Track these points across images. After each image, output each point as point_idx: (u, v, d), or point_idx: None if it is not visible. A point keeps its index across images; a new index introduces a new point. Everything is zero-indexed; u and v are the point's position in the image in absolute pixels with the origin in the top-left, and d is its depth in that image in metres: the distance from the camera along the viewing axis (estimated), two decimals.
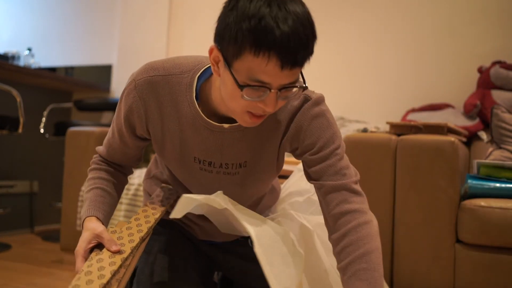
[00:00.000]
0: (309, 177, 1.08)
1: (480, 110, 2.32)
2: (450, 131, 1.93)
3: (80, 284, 0.87)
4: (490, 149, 2.05)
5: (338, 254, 0.98)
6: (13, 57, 3.36)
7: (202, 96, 1.03)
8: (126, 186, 2.20)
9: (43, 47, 3.78)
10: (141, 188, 2.18)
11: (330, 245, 1.08)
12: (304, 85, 0.93)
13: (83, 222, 1.05)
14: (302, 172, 1.22)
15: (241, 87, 0.87)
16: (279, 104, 0.92)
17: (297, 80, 0.91)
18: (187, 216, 1.26)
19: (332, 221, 1.01)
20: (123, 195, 2.20)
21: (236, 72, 0.87)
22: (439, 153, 1.73)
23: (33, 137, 3.29)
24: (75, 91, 3.64)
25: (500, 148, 2.03)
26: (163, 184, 1.27)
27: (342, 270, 0.96)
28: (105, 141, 1.17)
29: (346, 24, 2.86)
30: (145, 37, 3.38)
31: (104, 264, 0.94)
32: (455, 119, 2.33)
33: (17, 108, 2.50)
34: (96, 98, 3.43)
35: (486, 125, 2.31)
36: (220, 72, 0.92)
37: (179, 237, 1.26)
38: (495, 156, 1.98)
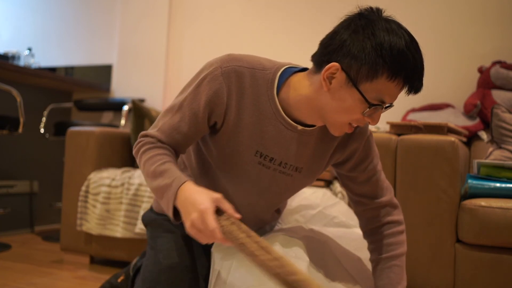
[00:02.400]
0: (351, 191, 1.23)
1: (480, 110, 2.31)
2: (450, 131, 1.93)
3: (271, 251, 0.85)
4: (490, 149, 2.05)
5: (379, 248, 1.21)
6: (13, 57, 3.35)
7: (279, 95, 1.08)
8: (126, 186, 2.21)
9: (43, 47, 3.77)
10: (142, 188, 2.17)
11: (345, 255, 1.28)
12: (391, 103, 1.02)
13: (179, 186, 0.97)
14: (313, 189, 1.29)
15: (370, 105, 0.98)
16: None
17: None
18: None
19: (375, 227, 1.23)
20: (123, 195, 2.20)
21: (364, 92, 0.97)
22: (439, 153, 1.73)
23: (33, 137, 3.29)
24: (75, 91, 3.64)
25: (500, 148, 2.03)
26: None
27: (382, 260, 1.19)
28: (165, 125, 1.09)
29: None
30: (145, 37, 3.38)
31: (246, 229, 0.91)
32: (455, 119, 2.33)
33: (17, 108, 2.50)
34: (96, 98, 3.43)
35: (486, 125, 2.31)
36: (333, 87, 1.00)
37: (190, 237, 1.25)
38: (495, 156, 1.98)
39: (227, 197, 1.19)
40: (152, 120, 2.57)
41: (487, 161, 1.78)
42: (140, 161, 1.09)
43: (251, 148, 1.10)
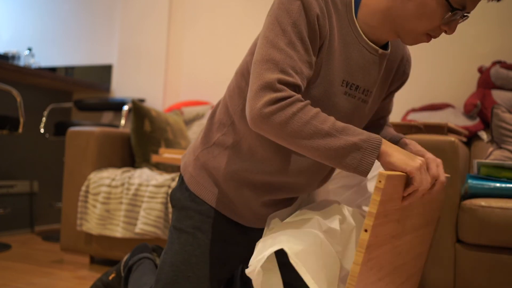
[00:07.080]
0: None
1: (481, 110, 2.32)
2: (450, 131, 1.93)
3: None
4: (491, 149, 2.05)
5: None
6: (13, 57, 3.36)
7: (357, 18, 1.05)
8: (126, 186, 2.20)
9: (43, 47, 3.78)
10: (142, 188, 2.17)
11: None
12: (468, 13, 0.99)
13: (381, 141, 0.93)
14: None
15: (453, 9, 0.94)
16: None
17: None
18: (250, 206, 1.19)
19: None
20: (123, 195, 2.20)
21: None
22: (439, 153, 1.73)
23: (33, 137, 3.29)
24: (75, 91, 3.64)
25: (501, 148, 2.03)
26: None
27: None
28: (285, 67, 0.94)
29: None
30: (145, 37, 3.38)
31: None
32: (455, 119, 2.33)
33: (17, 108, 2.50)
34: (96, 98, 3.43)
35: (487, 125, 2.31)
36: None
37: (213, 242, 1.20)
38: (495, 156, 1.98)
39: None
40: (152, 120, 2.57)
41: (487, 161, 1.78)
42: (293, 122, 0.92)
43: (338, 78, 1.04)
